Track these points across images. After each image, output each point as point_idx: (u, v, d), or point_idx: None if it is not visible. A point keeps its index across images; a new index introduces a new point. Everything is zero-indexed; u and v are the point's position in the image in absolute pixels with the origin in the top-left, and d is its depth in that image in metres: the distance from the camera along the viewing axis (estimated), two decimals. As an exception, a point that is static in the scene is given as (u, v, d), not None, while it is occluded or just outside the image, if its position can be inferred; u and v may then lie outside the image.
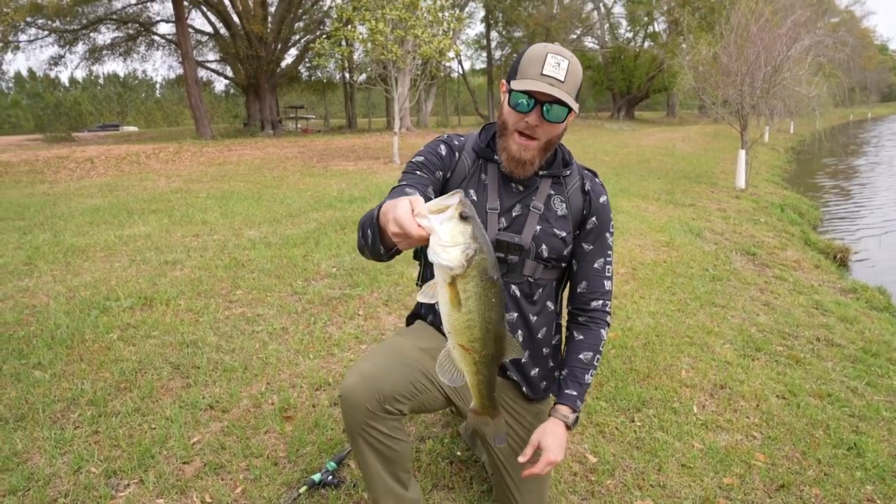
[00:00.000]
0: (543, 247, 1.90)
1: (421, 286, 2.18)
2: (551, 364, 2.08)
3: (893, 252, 10.07)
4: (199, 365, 3.66)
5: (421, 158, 1.90)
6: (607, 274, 1.97)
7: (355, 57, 23.00)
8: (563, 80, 1.65)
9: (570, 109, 1.71)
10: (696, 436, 3.17)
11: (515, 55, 1.81)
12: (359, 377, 1.75)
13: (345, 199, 9.76)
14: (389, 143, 16.13)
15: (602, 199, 1.97)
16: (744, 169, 12.76)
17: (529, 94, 1.68)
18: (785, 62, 11.10)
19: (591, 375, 1.93)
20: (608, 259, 1.96)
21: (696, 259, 6.89)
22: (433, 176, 1.84)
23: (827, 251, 9.28)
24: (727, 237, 8.52)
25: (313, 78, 39.28)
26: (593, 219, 1.94)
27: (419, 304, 2.21)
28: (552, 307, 2.05)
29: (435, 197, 1.59)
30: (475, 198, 1.91)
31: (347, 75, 35.94)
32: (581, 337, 1.96)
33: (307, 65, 34.73)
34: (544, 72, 1.64)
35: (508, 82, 1.75)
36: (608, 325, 2.02)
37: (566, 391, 1.89)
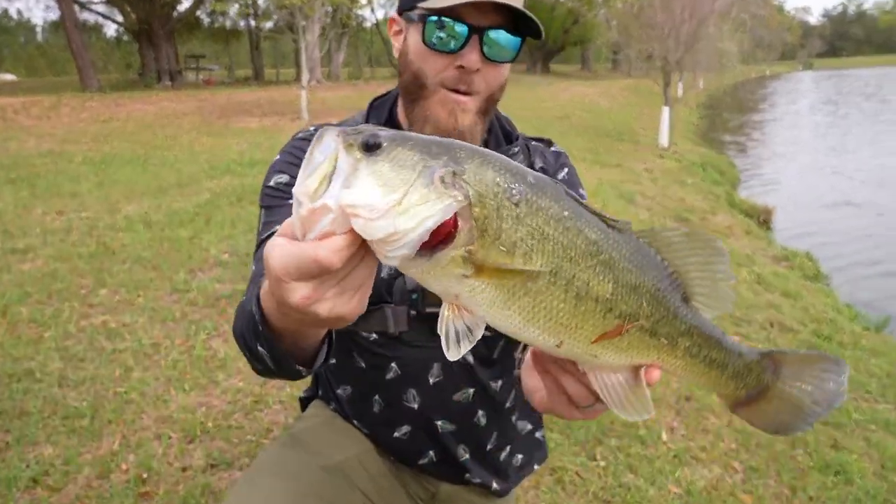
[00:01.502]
0: None
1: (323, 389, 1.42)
2: (529, 426, 1.47)
3: (807, 208, 10.11)
4: (29, 411, 2.72)
5: (273, 217, 1.17)
6: None
7: (260, 2, 21.09)
8: None
9: (524, 37, 1.16)
10: (671, 475, 2.60)
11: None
12: None
13: (245, 163, 8.64)
14: (298, 97, 14.79)
15: (562, 173, 1.35)
16: (667, 127, 12.49)
17: (456, 16, 1.10)
18: (710, 16, 10.72)
19: None
20: None
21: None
22: None
23: (752, 213, 9.14)
24: (658, 202, 8.13)
25: (216, 24, 36.40)
26: None
27: (320, 375, 1.43)
28: (518, 354, 1.36)
29: None
30: None
31: (252, 22, 33.47)
32: None
33: (208, 9, 31.96)
34: None
35: (410, 9, 1.16)
36: None
37: None
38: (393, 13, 1.22)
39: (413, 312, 1.22)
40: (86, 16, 32.84)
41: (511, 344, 1.33)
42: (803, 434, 2.96)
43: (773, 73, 63.76)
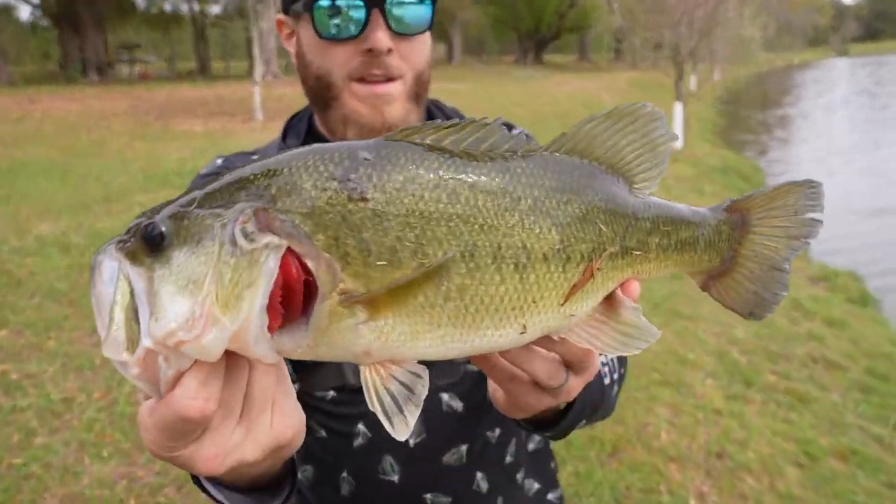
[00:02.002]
0: None
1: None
2: (537, 486, 1.38)
3: (846, 219, 10.15)
4: None
5: None
6: None
7: (204, -18, 21.12)
8: None
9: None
10: (705, 556, 2.47)
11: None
12: None
13: (186, 173, 8.49)
14: (251, 94, 14.72)
15: None
16: (680, 126, 12.54)
17: None
18: (728, -3, 10.85)
19: (612, 382, 1.14)
20: None
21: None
22: None
23: (782, 225, 9.15)
24: (674, 214, 8.11)
25: (153, 9, 36.36)
26: None
27: None
28: (496, 433, 1.28)
29: None
30: None
31: (196, 6, 33.44)
32: None
33: (142, -9, 31.93)
34: None
35: (294, 3, 1.15)
36: None
37: None
38: (279, 14, 1.20)
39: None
40: (-4, -3, 32.66)
41: None
42: (865, 500, 2.88)
43: (803, 62, 65.05)
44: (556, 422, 1.02)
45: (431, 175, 0.60)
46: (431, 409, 1.20)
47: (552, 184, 0.65)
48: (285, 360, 0.68)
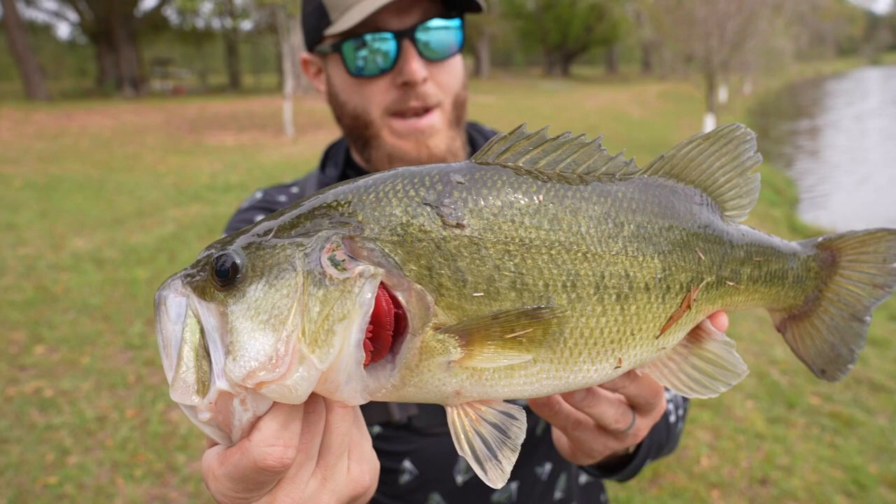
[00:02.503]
0: None
1: None
2: None
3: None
4: (-63, 508, 2.53)
5: None
6: None
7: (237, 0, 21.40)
8: None
9: (461, 17, 1.09)
10: (751, 589, 2.37)
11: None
12: None
13: (218, 188, 8.54)
14: (280, 109, 14.83)
15: None
16: (712, 139, 12.40)
17: (374, 28, 1.03)
18: (761, 9, 10.69)
19: (677, 420, 1.10)
20: None
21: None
22: None
23: (818, 240, 8.97)
24: (707, 228, 7.98)
25: (186, 25, 36.91)
26: None
27: None
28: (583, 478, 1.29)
29: None
30: None
31: (229, 22, 33.91)
32: None
33: (175, 7, 32.43)
34: None
35: (320, 42, 1.12)
36: None
37: None
38: (303, 53, 1.18)
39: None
40: (33, 14, 33.53)
41: None
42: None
43: (835, 72, 64.03)
44: (624, 465, 0.97)
45: (531, 200, 0.55)
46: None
47: (654, 209, 0.62)
48: None
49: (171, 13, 34.29)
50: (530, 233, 0.54)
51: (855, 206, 11.37)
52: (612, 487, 2.88)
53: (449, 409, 0.56)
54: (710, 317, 0.69)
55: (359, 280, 0.50)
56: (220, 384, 0.50)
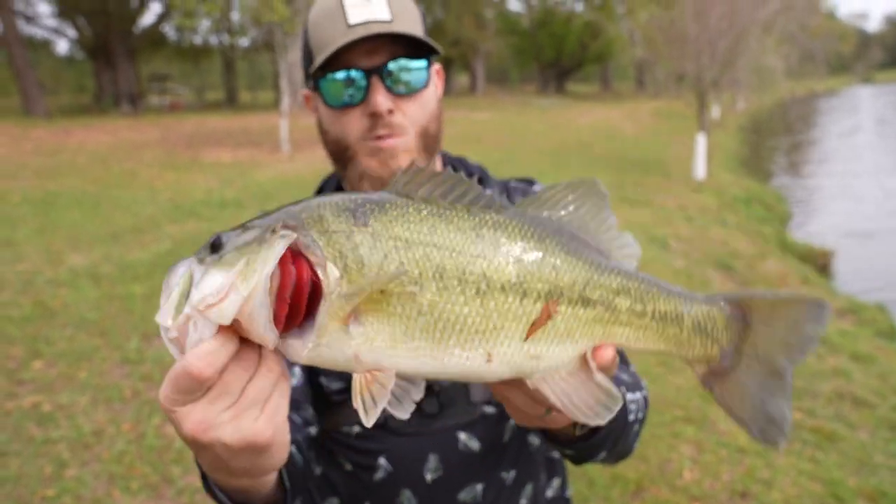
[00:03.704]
0: None
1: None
2: None
3: (875, 250, 10.02)
4: (-63, 520, 2.59)
5: None
6: None
7: (234, 16, 21.52)
8: (388, 17, 1.17)
9: (429, 57, 1.22)
10: None
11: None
12: None
13: (214, 204, 8.63)
14: (277, 126, 14.95)
15: None
16: (703, 156, 12.51)
17: (345, 65, 1.18)
18: (751, 28, 10.84)
19: (635, 420, 1.16)
20: None
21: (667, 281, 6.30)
22: None
23: (808, 257, 9.06)
24: (696, 246, 8.06)
25: (183, 42, 37.07)
26: None
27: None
28: (537, 439, 1.34)
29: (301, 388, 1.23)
30: None
31: (227, 39, 34.10)
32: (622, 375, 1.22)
33: (173, 24, 32.61)
34: (350, 20, 1.17)
35: (313, 81, 1.25)
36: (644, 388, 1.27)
37: None
38: (304, 89, 1.32)
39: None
40: (32, 30, 33.57)
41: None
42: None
43: (827, 89, 64.50)
44: (574, 442, 1.05)
45: (419, 214, 0.74)
46: (449, 447, 1.27)
47: (515, 228, 0.76)
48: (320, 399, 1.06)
49: (168, 30, 34.43)
50: (413, 234, 0.73)
51: (851, 225, 11.49)
52: (595, 500, 2.96)
53: (354, 376, 0.72)
54: (596, 348, 0.78)
55: (279, 239, 0.70)
56: (185, 310, 0.68)
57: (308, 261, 0.70)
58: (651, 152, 16.33)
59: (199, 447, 0.71)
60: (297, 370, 1.24)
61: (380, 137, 1.20)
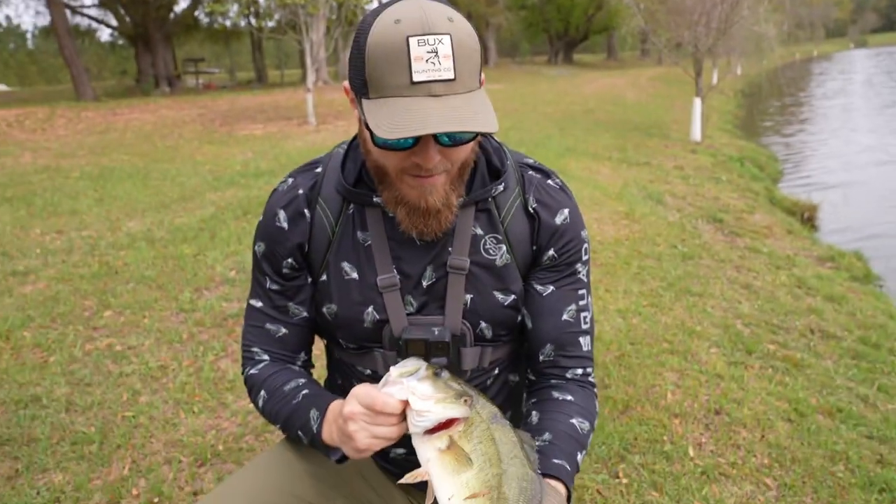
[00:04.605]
0: (483, 325, 1.32)
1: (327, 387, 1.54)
2: None
3: (857, 203, 10.06)
4: (37, 437, 2.89)
5: (259, 304, 1.39)
6: (583, 326, 1.35)
7: (261, 1, 21.46)
8: (452, 75, 1.03)
9: None
10: (698, 492, 2.68)
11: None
12: None
13: (250, 174, 8.87)
14: (304, 100, 15.07)
15: (561, 216, 1.31)
16: (699, 119, 12.51)
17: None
18: (743, -1, 10.76)
19: (582, 458, 1.29)
20: (583, 304, 1.34)
21: (661, 233, 6.47)
22: (292, 314, 1.40)
23: (794, 210, 9.15)
24: (690, 202, 8.18)
25: (215, 25, 37.02)
26: (550, 252, 1.31)
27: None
28: (516, 379, 1.46)
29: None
30: (355, 275, 1.28)
31: (254, 21, 34.00)
32: (570, 397, 1.32)
33: (205, 10, 32.57)
34: (416, 77, 1.02)
35: (358, 96, 1.13)
36: (597, 397, 1.43)
37: (554, 460, 1.21)
38: (346, 82, 1.18)
39: (399, 359, 1.36)
40: (78, 20, 33.69)
41: (501, 372, 1.43)
42: (844, 448, 3.05)
43: (822, 54, 62.96)
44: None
45: (502, 440, 1.10)
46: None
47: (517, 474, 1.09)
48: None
49: (201, 15, 34.35)
50: (487, 447, 1.09)
51: (839, 180, 11.48)
52: (587, 415, 3.20)
53: (423, 466, 1.08)
54: None
55: (462, 408, 1.07)
56: (405, 381, 1.08)
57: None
58: (652, 116, 16.28)
59: (347, 437, 1.12)
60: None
61: (422, 176, 1.14)
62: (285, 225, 1.30)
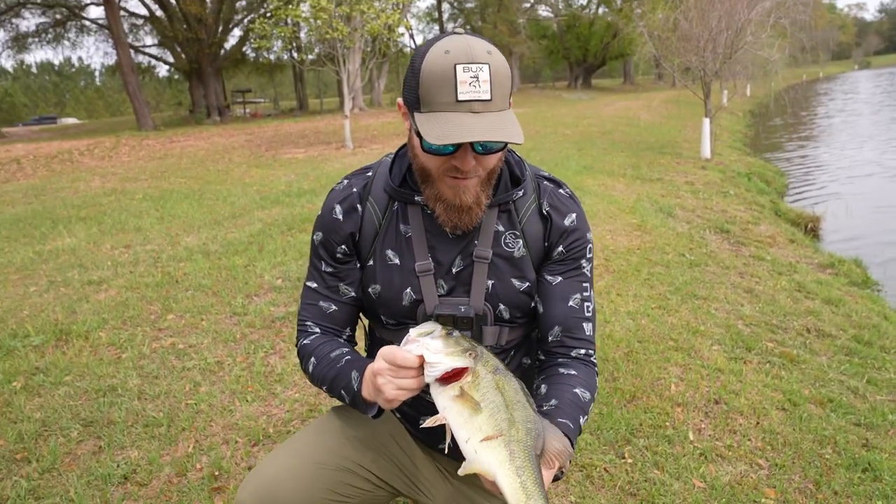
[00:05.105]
0: (502, 307, 1.47)
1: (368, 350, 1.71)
2: None
3: (859, 214, 9.97)
4: (115, 420, 3.12)
5: (314, 285, 1.54)
6: (587, 314, 1.49)
7: (302, 36, 22.04)
8: (489, 97, 1.21)
9: None
10: (696, 471, 2.79)
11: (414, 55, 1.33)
12: (254, 489, 1.38)
13: (293, 193, 9.16)
14: (342, 126, 15.43)
15: (569, 219, 1.48)
16: (708, 138, 12.51)
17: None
18: (747, 25, 10.79)
19: (584, 422, 1.44)
20: (587, 295, 1.49)
21: (670, 243, 6.55)
22: (342, 293, 1.54)
23: (798, 221, 9.11)
24: (699, 214, 8.22)
25: (261, 59, 37.97)
26: (560, 248, 1.47)
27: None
28: (528, 362, 1.62)
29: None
30: (397, 261, 1.45)
31: (296, 55, 34.80)
32: (573, 372, 1.46)
33: (252, 46, 33.43)
34: (461, 97, 1.19)
35: (411, 110, 1.30)
36: (597, 374, 1.59)
37: (559, 419, 1.34)
38: (400, 99, 1.34)
39: None
40: (139, 58, 34.84)
41: (517, 351, 1.59)
42: (833, 433, 3.12)
43: (827, 75, 62.01)
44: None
45: (507, 389, 1.18)
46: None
47: (522, 416, 1.18)
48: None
49: (248, 50, 35.24)
50: (495, 395, 1.19)
51: (843, 193, 11.38)
52: (597, 405, 3.32)
53: (439, 412, 1.20)
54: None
55: (466, 359, 1.18)
56: (420, 339, 1.20)
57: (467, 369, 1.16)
58: (664, 136, 16.29)
59: (377, 390, 1.24)
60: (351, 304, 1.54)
61: (458, 178, 1.30)
62: (341, 217, 1.47)
